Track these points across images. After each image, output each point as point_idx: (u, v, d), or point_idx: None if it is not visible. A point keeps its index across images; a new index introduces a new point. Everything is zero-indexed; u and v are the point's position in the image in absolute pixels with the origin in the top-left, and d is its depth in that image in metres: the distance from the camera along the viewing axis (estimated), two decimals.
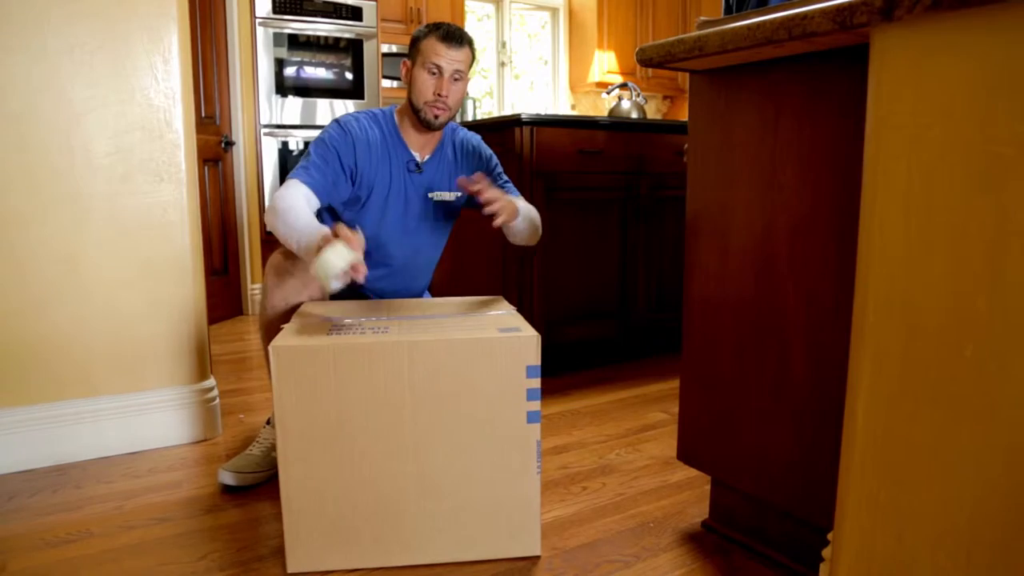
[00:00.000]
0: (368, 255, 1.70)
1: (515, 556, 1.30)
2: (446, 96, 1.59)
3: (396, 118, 1.69)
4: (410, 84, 1.63)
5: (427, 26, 1.61)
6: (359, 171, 1.62)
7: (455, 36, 1.58)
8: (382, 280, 1.74)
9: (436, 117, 1.61)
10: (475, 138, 1.80)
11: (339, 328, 1.28)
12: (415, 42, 1.62)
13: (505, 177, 1.81)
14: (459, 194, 1.75)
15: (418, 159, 1.69)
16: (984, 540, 0.73)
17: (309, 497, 1.22)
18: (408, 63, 1.65)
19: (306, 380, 1.19)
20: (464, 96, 1.67)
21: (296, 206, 1.48)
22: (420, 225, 1.73)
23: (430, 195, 1.72)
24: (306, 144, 3.76)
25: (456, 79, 1.60)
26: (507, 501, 1.27)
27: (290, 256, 1.57)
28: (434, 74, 1.58)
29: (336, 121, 1.64)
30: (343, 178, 1.60)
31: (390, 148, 1.66)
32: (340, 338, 1.21)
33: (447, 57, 1.57)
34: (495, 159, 1.81)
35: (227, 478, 1.59)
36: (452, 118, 1.67)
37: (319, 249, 1.26)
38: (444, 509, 1.26)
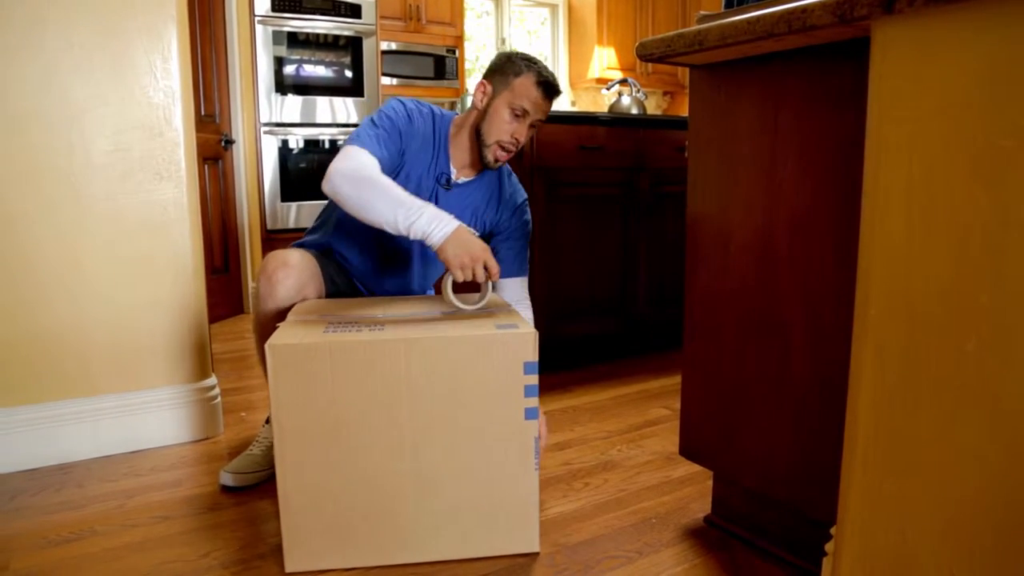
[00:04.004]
0: (379, 256, 1.67)
1: (514, 553, 1.30)
2: (519, 142, 1.53)
3: (451, 128, 1.60)
4: (485, 112, 1.53)
5: (524, 60, 1.52)
6: (405, 160, 1.55)
7: (554, 89, 1.52)
8: (388, 282, 1.71)
9: (497, 160, 1.55)
10: (522, 194, 1.71)
11: (335, 325, 1.28)
12: (506, 72, 1.52)
13: (526, 256, 1.71)
14: (475, 233, 1.64)
15: (452, 176, 1.61)
16: (987, 533, 0.73)
17: (307, 496, 1.22)
18: (487, 86, 1.55)
19: (303, 378, 1.19)
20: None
21: (385, 179, 1.40)
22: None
23: None
24: (306, 142, 3.76)
25: (533, 126, 1.55)
26: (505, 499, 1.27)
27: (285, 264, 1.49)
28: (518, 116, 1.51)
29: (401, 101, 1.56)
30: (398, 159, 1.53)
31: (433, 153, 1.59)
32: (336, 335, 1.21)
33: (539, 107, 1.51)
34: (528, 228, 1.71)
35: (227, 479, 1.59)
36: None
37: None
38: (442, 507, 1.26)
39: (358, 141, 1.46)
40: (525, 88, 1.50)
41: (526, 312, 1.68)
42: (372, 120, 1.52)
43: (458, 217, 1.61)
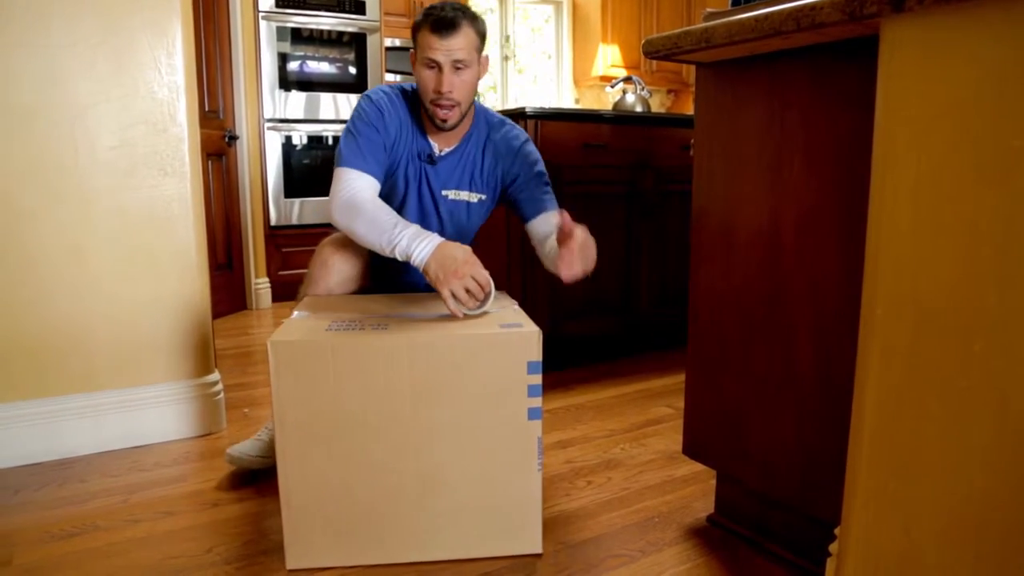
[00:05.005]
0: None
1: (516, 554, 1.29)
2: (449, 91, 1.45)
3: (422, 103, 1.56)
4: (417, 81, 1.51)
5: (423, 12, 1.46)
6: (391, 150, 1.55)
7: (447, 23, 1.41)
8: (408, 273, 1.65)
9: (444, 120, 1.49)
10: (519, 138, 1.63)
11: (339, 323, 1.27)
12: (413, 32, 1.48)
13: (547, 191, 1.63)
14: (483, 196, 1.63)
15: (435, 150, 1.58)
16: (992, 534, 0.73)
17: (308, 494, 1.22)
18: (413, 54, 1.52)
19: (305, 376, 1.18)
20: (477, 82, 1.51)
21: (374, 203, 1.43)
22: (437, 221, 1.63)
23: (444, 192, 1.61)
24: (310, 139, 3.76)
25: (459, 68, 1.45)
26: (508, 498, 1.27)
27: (341, 249, 1.54)
28: (432, 68, 1.45)
29: (368, 96, 1.54)
30: (385, 158, 1.53)
31: (411, 134, 1.56)
32: (339, 334, 1.21)
33: (442, 49, 1.42)
34: (538, 167, 1.62)
35: (233, 456, 1.59)
36: (466, 112, 1.53)
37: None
38: (444, 506, 1.25)
39: (344, 161, 1.49)
40: (423, 38, 1.44)
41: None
42: (349, 130, 1.52)
43: (457, 186, 1.61)
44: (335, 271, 1.53)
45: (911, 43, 0.76)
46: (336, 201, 1.45)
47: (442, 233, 1.63)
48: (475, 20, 1.47)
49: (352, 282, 1.57)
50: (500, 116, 1.67)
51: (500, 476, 1.25)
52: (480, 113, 1.63)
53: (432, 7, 1.46)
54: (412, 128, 1.57)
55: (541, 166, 1.64)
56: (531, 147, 1.64)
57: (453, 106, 1.48)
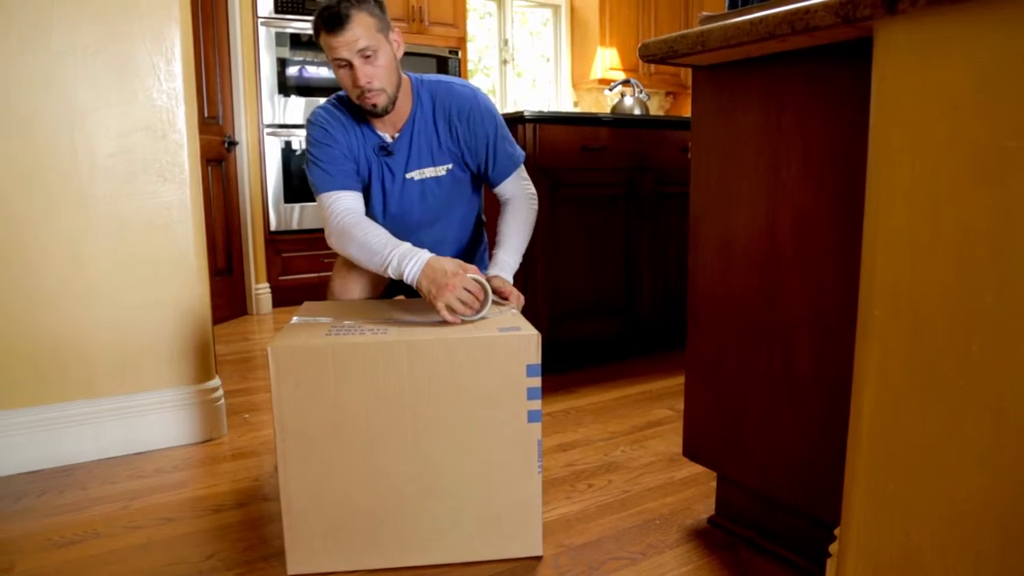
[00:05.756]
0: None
1: (516, 557, 1.29)
2: (368, 83, 1.43)
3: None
4: None
5: (315, 15, 1.43)
6: (351, 154, 1.56)
7: (336, 19, 1.38)
8: None
9: (374, 106, 1.47)
10: (457, 100, 1.57)
11: (339, 328, 1.28)
12: (316, 40, 1.46)
13: (509, 152, 1.62)
14: (449, 166, 1.60)
15: (387, 139, 1.57)
16: (992, 534, 0.73)
17: (309, 498, 1.22)
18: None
19: (305, 380, 1.19)
20: (395, 60, 1.49)
21: (361, 226, 1.47)
22: (419, 208, 1.62)
23: (408, 176, 1.58)
24: None
25: (368, 56, 1.42)
26: (508, 501, 1.27)
27: (345, 276, 1.62)
28: (344, 67, 1.43)
29: (309, 121, 1.57)
30: (353, 163, 1.55)
31: (359, 132, 1.56)
32: (338, 338, 1.21)
33: (342, 46, 1.40)
34: (493, 117, 1.59)
35: None
36: (395, 93, 1.49)
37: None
38: (444, 509, 1.26)
39: (318, 189, 1.54)
40: (323, 41, 1.42)
41: (522, 211, 1.65)
42: (309, 160, 1.55)
43: (420, 165, 1.58)
44: (355, 283, 1.62)
45: (905, 45, 0.77)
46: (328, 232, 1.52)
47: (441, 208, 1.65)
48: (363, 1, 1.41)
49: (372, 289, 1.64)
50: (440, 79, 1.61)
51: (500, 479, 1.26)
52: (419, 86, 1.58)
53: (320, 8, 1.42)
54: (358, 127, 1.56)
55: (494, 115, 1.60)
56: (477, 97, 1.59)
57: (379, 92, 1.46)
